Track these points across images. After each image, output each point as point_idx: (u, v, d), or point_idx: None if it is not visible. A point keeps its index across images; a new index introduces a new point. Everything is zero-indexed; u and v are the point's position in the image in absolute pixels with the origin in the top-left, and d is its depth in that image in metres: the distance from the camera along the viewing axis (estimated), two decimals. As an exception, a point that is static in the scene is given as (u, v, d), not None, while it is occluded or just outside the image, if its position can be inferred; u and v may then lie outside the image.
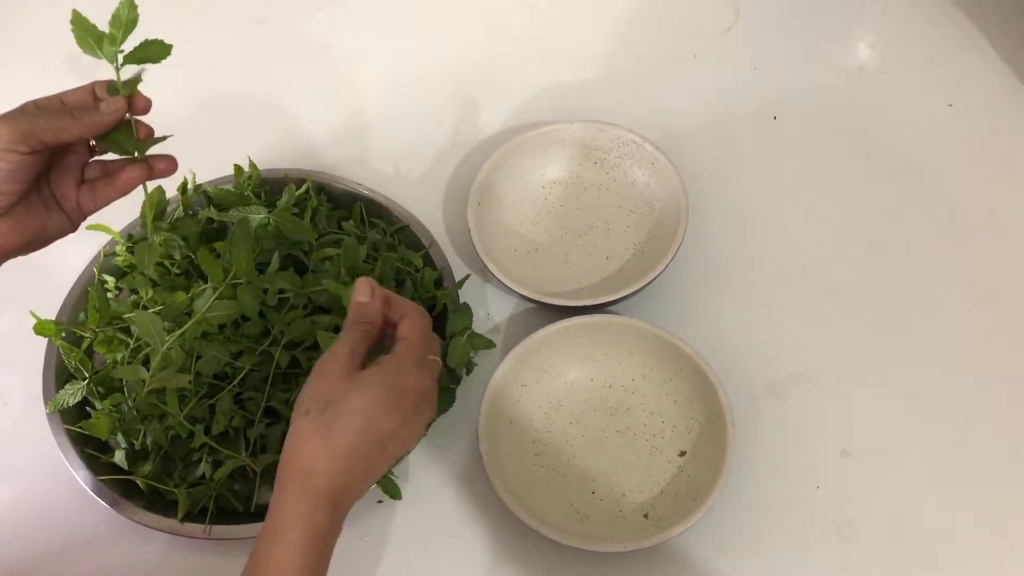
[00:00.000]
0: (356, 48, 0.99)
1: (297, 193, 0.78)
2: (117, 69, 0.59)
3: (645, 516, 0.69)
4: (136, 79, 0.60)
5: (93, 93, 0.60)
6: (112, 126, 0.59)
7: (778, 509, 0.70)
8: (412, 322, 0.60)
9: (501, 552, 0.70)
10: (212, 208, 0.78)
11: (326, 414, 0.54)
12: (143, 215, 0.78)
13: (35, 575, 0.71)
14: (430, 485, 0.73)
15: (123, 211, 0.79)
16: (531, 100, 0.93)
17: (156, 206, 0.79)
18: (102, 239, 0.78)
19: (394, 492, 0.69)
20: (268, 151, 0.90)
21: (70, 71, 0.98)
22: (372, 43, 1.00)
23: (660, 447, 0.72)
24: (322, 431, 0.54)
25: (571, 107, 0.92)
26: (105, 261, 0.79)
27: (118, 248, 0.78)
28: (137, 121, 0.61)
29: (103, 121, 0.59)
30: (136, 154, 0.62)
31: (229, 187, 0.79)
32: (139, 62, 0.60)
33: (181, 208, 0.80)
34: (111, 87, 0.60)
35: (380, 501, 0.72)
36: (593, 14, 1.00)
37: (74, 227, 0.63)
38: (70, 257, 0.79)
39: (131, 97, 0.60)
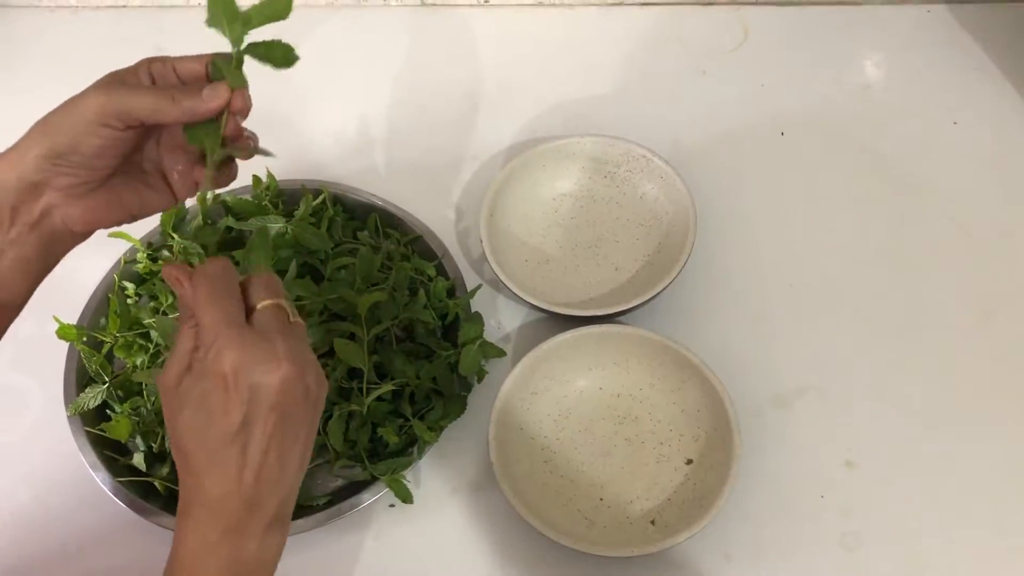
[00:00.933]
0: (370, 61, 1.02)
1: (314, 203, 0.80)
2: (238, 53, 0.54)
3: (652, 523, 0.70)
4: (240, 74, 0.54)
5: (207, 69, 0.55)
6: (208, 116, 0.54)
7: (782, 518, 0.71)
8: (191, 299, 0.50)
9: (510, 556, 0.71)
10: (231, 217, 0.80)
11: (173, 438, 0.49)
12: (163, 224, 0.81)
13: (54, 573, 0.72)
14: (442, 491, 0.74)
15: (143, 220, 0.81)
16: (542, 115, 0.95)
17: (176, 215, 0.81)
18: (123, 246, 0.80)
19: (406, 496, 0.70)
20: (283, 163, 0.91)
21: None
22: (385, 56, 1.02)
23: (667, 455, 0.73)
24: (177, 456, 0.49)
25: (581, 122, 0.93)
26: (126, 268, 0.80)
27: (138, 255, 0.80)
28: (229, 119, 0.55)
29: (200, 109, 0.53)
30: (213, 156, 0.55)
31: (247, 197, 0.81)
32: (259, 59, 0.54)
33: (200, 217, 0.82)
34: (216, 65, 0.54)
35: (392, 505, 0.73)
36: (603, 31, 1.02)
37: (177, 201, 0.60)
38: (91, 264, 0.80)
39: (233, 91, 0.54)
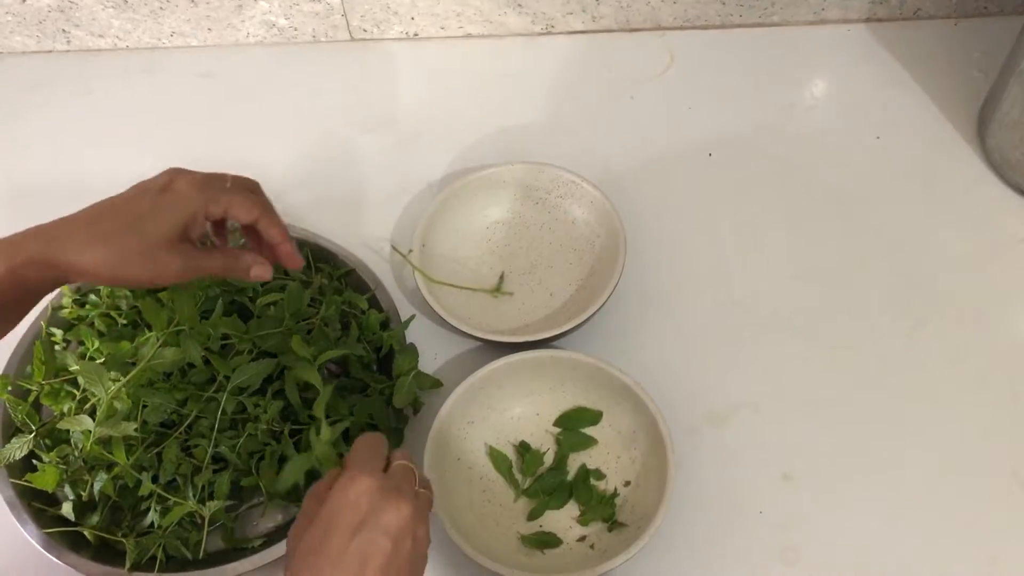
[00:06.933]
0: (302, 96, 1.02)
1: (241, 241, 0.80)
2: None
3: (591, 547, 0.70)
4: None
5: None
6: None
7: (722, 535, 0.72)
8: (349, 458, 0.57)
9: (451, 589, 0.70)
10: (159, 259, 0.79)
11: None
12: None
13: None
14: (380, 525, 0.73)
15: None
16: (474, 145, 0.96)
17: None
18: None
19: (343, 533, 0.69)
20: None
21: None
22: (316, 91, 1.02)
23: (606, 478, 0.73)
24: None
25: (513, 151, 0.94)
26: (53, 315, 0.79)
27: (64, 301, 0.79)
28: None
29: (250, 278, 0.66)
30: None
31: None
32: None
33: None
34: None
35: (330, 543, 0.72)
36: (532, 60, 1.03)
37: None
38: (17, 312, 0.79)
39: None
